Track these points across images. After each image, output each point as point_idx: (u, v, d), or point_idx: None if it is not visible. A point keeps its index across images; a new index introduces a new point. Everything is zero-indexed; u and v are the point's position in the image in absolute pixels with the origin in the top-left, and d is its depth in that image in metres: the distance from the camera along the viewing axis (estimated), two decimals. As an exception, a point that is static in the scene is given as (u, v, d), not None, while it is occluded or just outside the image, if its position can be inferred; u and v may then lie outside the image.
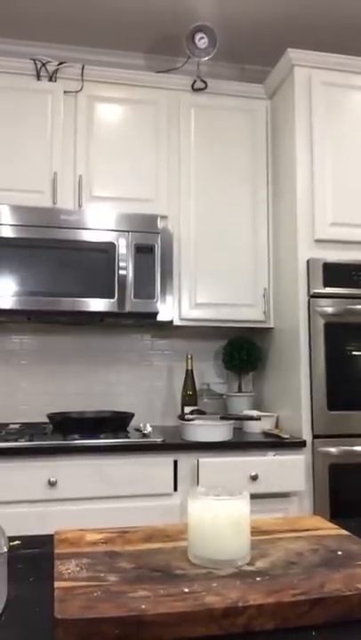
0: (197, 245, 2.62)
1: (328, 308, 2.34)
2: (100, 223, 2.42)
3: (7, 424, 2.60)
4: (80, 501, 2.06)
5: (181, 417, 2.36)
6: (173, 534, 0.97)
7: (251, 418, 2.42)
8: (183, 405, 2.62)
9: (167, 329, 2.82)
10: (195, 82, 2.68)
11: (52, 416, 2.38)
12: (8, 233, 2.32)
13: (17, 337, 2.76)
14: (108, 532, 0.98)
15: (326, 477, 2.25)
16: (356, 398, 2.32)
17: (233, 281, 2.63)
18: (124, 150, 2.60)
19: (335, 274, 2.37)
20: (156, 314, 2.45)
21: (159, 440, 2.19)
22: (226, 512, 0.83)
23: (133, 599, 0.71)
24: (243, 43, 2.88)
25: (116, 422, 2.36)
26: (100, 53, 2.92)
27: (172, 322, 2.55)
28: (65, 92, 2.56)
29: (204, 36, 2.61)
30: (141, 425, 2.38)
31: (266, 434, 2.44)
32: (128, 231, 2.43)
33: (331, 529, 1.00)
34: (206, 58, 2.65)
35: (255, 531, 0.96)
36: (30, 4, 2.60)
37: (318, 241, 2.42)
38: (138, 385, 2.85)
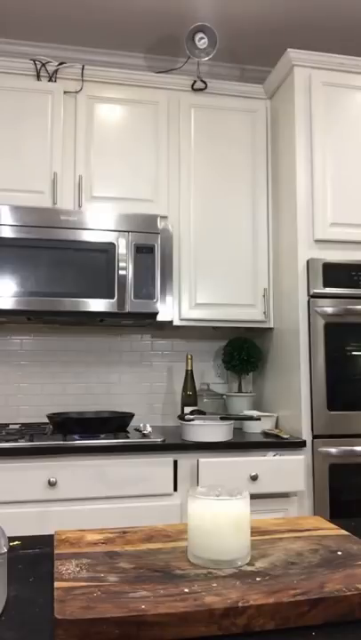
0: (197, 245, 2.62)
1: (328, 308, 2.34)
2: (99, 223, 2.42)
3: (7, 424, 2.61)
4: (80, 501, 2.06)
5: (181, 417, 2.36)
6: (173, 534, 0.97)
7: (251, 418, 2.42)
8: (183, 405, 2.61)
9: (167, 329, 2.82)
10: (195, 82, 2.68)
11: (51, 416, 2.38)
12: (8, 233, 2.32)
13: (17, 337, 2.76)
14: (108, 533, 0.98)
15: (326, 477, 2.25)
16: (356, 398, 2.32)
17: (233, 281, 2.63)
18: (123, 150, 2.60)
19: (335, 274, 2.37)
20: (155, 314, 2.45)
21: (159, 440, 2.19)
22: (226, 512, 0.83)
23: (133, 599, 0.70)
24: (243, 43, 2.88)
25: (116, 422, 2.36)
26: (100, 53, 2.92)
27: (171, 322, 2.54)
28: (65, 92, 2.56)
29: (204, 36, 2.61)
30: (141, 425, 2.39)
31: (266, 434, 2.44)
32: (128, 231, 2.43)
33: (331, 529, 1.00)
34: (206, 58, 2.65)
35: (255, 531, 0.96)
36: (30, 4, 2.60)
37: (318, 241, 2.42)
38: (138, 385, 2.85)
